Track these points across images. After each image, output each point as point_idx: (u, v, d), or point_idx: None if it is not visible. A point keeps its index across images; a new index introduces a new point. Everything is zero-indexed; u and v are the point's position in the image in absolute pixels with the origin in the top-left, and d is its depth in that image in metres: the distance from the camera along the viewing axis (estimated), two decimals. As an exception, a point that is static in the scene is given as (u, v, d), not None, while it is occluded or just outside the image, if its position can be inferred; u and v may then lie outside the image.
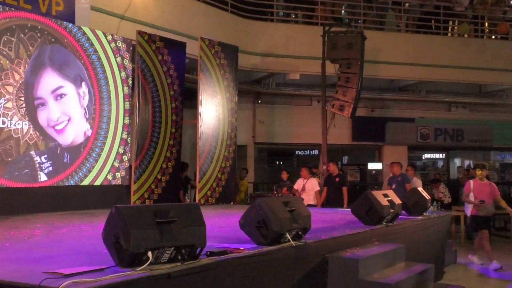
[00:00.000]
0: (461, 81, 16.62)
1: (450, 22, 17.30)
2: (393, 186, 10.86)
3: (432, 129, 17.36)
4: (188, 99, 11.90)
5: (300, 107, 16.42)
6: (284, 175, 12.74)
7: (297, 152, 19.47)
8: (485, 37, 17.54)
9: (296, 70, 14.89)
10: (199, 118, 11.08)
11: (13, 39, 8.70)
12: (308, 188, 10.99)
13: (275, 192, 12.43)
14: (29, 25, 8.97)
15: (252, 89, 15.78)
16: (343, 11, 16.65)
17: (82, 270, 3.49)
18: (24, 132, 8.84)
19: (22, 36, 8.84)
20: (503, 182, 16.68)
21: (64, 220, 7.64)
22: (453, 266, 8.85)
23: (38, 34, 9.10)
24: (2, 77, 8.54)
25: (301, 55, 14.59)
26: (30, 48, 8.97)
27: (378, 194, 6.68)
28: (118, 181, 10.39)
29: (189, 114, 12.23)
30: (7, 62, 8.62)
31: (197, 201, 10.76)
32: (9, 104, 8.63)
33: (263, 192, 13.82)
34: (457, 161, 20.58)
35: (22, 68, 8.83)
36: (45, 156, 9.16)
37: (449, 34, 17.43)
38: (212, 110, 11.41)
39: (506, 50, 16.61)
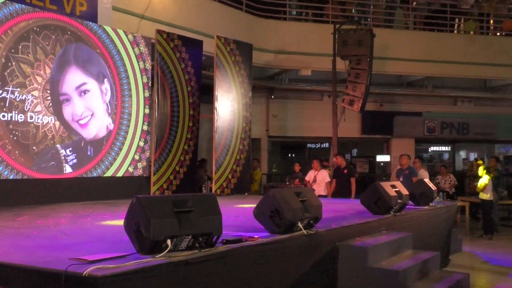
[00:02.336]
0: (467, 76, 16.44)
1: (457, 20, 17.10)
2: (401, 179, 10.80)
3: (438, 123, 17.19)
4: (205, 94, 11.92)
5: (312, 102, 16.36)
6: (297, 167, 12.72)
7: (308, 145, 19.38)
8: (490, 34, 17.33)
9: (308, 66, 14.80)
10: (215, 112, 11.09)
11: (39, 38, 8.77)
12: (319, 179, 11.01)
13: (288, 183, 12.46)
14: (54, 25, 9.02)
15: (265, 84, 15.77)
16: (353, 9, 16.53)
17: (105, 256, 3.51)
18: (50, 127, 8.92)
19: (49, 34, 8.90)
20: (507, 174, 16.50)
21: (88, 210, 7.68)
22: (458, 254, 8.80)
23: (63, 33, 9.16)
24: (31, 73, 8.61)
25: (312, 52, 14.53)
26: (56, 47, 9.03)
27: (386, 185, 6.65)
28: (140, 172, 10.45)
29: (206, 108, 12.26)
30: (34, 60, 8.69)
31: (213, 191, 10.78)
32: (36, 100, 8.70)
33: (276, 183, 13.83)
34: (463, 154, 20.38)
35: (48, 65, 8.90)
36: (70, 149, 9.24)
37: (455, 31, 17.22)
38: (228, 105, 11.42)
39: (511, 46, 16.39)
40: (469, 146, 19.98)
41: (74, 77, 9.35)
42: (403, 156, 10.97)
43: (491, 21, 17.27)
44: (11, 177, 8.29)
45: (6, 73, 8.27)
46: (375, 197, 6.52)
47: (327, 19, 15.21)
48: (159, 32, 10.49)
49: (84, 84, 9.53)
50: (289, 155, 20.05)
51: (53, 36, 8.98)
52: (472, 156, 19.64)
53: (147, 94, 10.69)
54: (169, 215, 3.55)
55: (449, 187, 13.06)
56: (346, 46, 12.89)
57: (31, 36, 8.63)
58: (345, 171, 10.89)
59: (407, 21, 16.76)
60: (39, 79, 8.76)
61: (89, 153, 9.55)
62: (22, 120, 8.49)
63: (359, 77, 12.79)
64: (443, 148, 20.12)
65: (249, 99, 12.01)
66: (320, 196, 9.84)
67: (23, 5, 8.57)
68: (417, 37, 15.93)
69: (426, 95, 17.17)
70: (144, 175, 10.51)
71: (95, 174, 9.60)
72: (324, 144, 18.37)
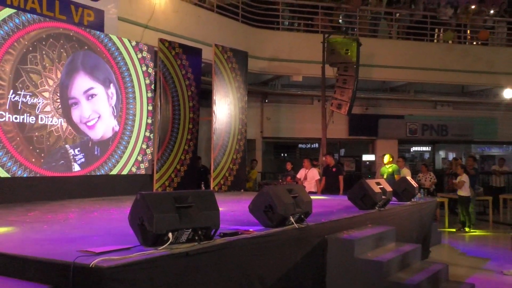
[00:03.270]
0: (445, 82, 16.48)
1: (436, 30, 17.14)
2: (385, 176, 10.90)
3: (419, 125, 17.22)
4: (204, 98, 11.90)
5: (303, 106, 16.39)
6: (289, 166, 12.72)
7: (299, 145, 19.44)
8: (467, 43, 17.38)
9: (299, 73, 14.82)
10: (213, 115, 11.08)
11: (46, 47, 8.73)
12: (310, 177, 11.04)
13: (280, 180, 12.45)
14: (63, 34, 8.99)
15: (260, 89, 15.77)
16: (340, 20, 16.55)
17: (111, 248, 3.50)
18: (59, 128, 8.88)
19: (58, 43, 8.87)
20: (483, 172, 16.58)
21: (95, 205, 7.66)
22: (438, 246, 8.83)
23: (72, 42, 9.12)
24: (42, 78, 8.57)
25: (303, 59, 14.52)
26: (64, 54, 9.00)
27: (371, 182, 6.66)
28: (142, 172, 10.43)
29: (205, 112, 12.25)
30: (44, 67, 8.65)
31: (211, 188, 10.77)
32: (46, 101, 8.67)
33: (270, 180, 13.81)
34: (442, 153, 20.47)
35: (59, 70, 8.86)
36: (78, 149, 9.20)
37: (435, 41, 17.27)
38: (225, 108, 11.41)
39: (486, 54, 16.45)
40: (448, 147, 20.13)
41: (82, 82, 9.31)
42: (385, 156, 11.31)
43: (468, 31, 17.33)
44: (24, 176, 8.25)
45: (18, 82, 8.24)
46: (361, 194, 6.53)
47: (316, 29, 15.22)
48: (161, 40, 10.47)
49: (91, 88, 9.49)
50: (282, 154, 20.07)
51: (62, 45, 8.94)
52: (451, 155, 19.74)
53: (150, 95, 10.64)
54: (170, 210, 3.55)
55: (430, 184, 13.09)
56: (334, 54, 12.89)
57: (42, 44, 8.59)
58: (334, 169, 10.92)
59: (391, 31, 16.79)
60: (50, 82, 8.72)
61: (96, 152, 9.52)
62: (34, 121, 8.45)
63: (346, 82, 12.81)
64: (424, 148, 20.24)
65: (245, 103, 12.00)
66: (310, 192, 9.88)
67: (34, 15, 8.53)
68: (400, 46, 15.97)
69: (408, 100, 17.22)
70: (148, 173, 10.48)
71: (102, 172, 9.56)
72: (314, 145, 18.48)
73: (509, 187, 14.98)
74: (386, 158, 11.34)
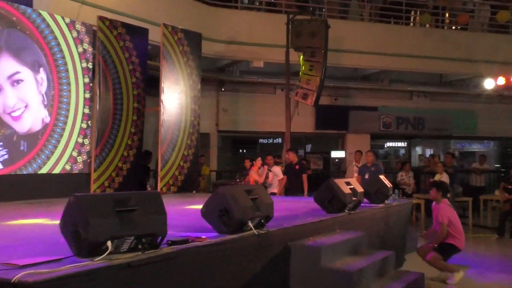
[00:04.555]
0: (423, 70, 16.91)
1: (412, 12, 17.52)
2: (366, 176, 10.96)
3: (394, 118, 17.66)
4: (151, 86, 11.71)
5: (264, 95, 16.47)
6: (247, 164, 12.72)
7: (260, 140, 19.56)
8: (446, 27, 17.83)
9: (260, 58, 14.90)
10: (162, 105, 10.95)
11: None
12: (272, 176, 11.09)
13: (238, 180, 12.45)
14: (-17, 8, 8.68)
15: (215, 77, 15.71)
16: (307, -1, 16.67)
17: (38, 260, 3.39)
18: (-21, 119, 8.58)
19: (-24, 19, 8.56)
20: (462, 170, 17.05)
21: (20, 209, 7.46)
22: (413, 253, 8.98)
23: (-7, 18, 8.82)
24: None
25: (265, 43, 14.58)
26: (-15, 32, 8.69)
27: (340, 182, 6.68)
28: (80, 166, 10.20)
29: (152, 101, 12.06)
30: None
31: (158, 189, 10.65)
32: (-37, 90, 8.35)
33: (226, 180, 13.79)
34: (419, 150, 21.01)
35: (-24, 52, 8.55)
36: (1, 144, 8.91)
37: (411, 24, 17.65)
38: (175, 97, 11.29)
39: (466, 40, 16.92)
40: (425, 142, 20.67)
41: (6, 66, 9.02)
42: (368, 153, 11.61)
43: (447, 15, 17.76)
44: None
45: None
46: (329, 195, 6.54)
47: (280, 8, 15.27)
48: (101, 19, 10.25)
49: (17, 73, 9.20)
50: (240, 150, 20.11)
51: (-18, 20, 8.63)
52: (428, 152, 20.22)
53: (87, 80, 10.40)
54: (109, 215, 3.48)
55: (414, 184, 13.28)
56: (300, 37, 12.99)
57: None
58: (297, 167, 11.00)
59: (363, 13, 17.03)
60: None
61: (22, 148, 9.24)
62: None
63: (313, 69, 12.92)
64: (399, 144, 20.71)
65: (198, 92, 11.92)
66: (272, 193, 9.91)
67: None
68: (372, 29, 16.23)
69: (381, 89, 17.58)
70: (84, 172, 10.26)
71: (30, 170, 9.30)
72: (276, 139, 18.60)
73: (490, 187, 15.38)
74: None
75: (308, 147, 19.05)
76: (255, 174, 10.95)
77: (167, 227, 3.81)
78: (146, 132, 11.71)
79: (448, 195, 10.12)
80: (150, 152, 12.27)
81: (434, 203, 7.73)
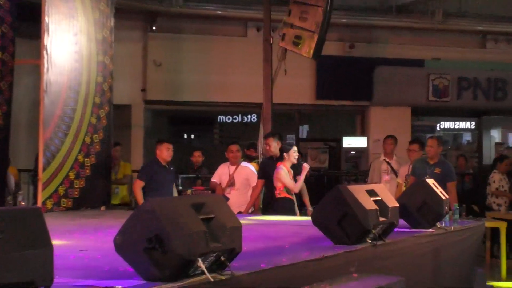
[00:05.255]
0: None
1: None
2: None
3: (453, 80, 12.62)
4: (25, 21, 8.38)
5: (227, 40, 11.90)
6: (197, 157, 9.53)
7: (220, 118, 14.00)
8: None
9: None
10: (45, 56, 7.48)
11: None
12: (240, 180, 7.89)
13: (181, 188, 9.21)
14: None
15: (142, 6, 11.15)
16: None
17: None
18: None
19: None
20: None
21: None
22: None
23: None
24: None
25: None
26: None
27: (359, 191, 4.90)
28: None
29: (27, 48, 8.71)
30: None
31: (39, 204, 7.41)
32: None
33: None
34: (495, 134, 14.95)
35: None
36: None
37: None
38: (69, 42, 7.91)
39: None
40: (506, 121, 14.93)
41: None
42: (431, 141, 7.64)
43: None
44: None
45: None
46: (339, 213, 4.80)
47: None
48: None
49: None
50: (185, 136, 14.73)
51: None
52: None
53: None
54: None
55: None
56: None
57: None
58: (282, 164, 8.36)
59: None
60: None
61: None
62: None
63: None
64: (462, 124, 14.56)
65: (110, 32, 8.62)
66: (239, 213, 7.07)
67: None
68: None
69: (431, 30, 12.33)
70: None
71: None
72: (248, 117, 13.62)
73: None
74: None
75: (304, 130, 13.75)
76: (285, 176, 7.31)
77: (53, 271, 3.00)
78: (17, 103, 8.57)
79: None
80: (118, 143, 9.36)
81: None
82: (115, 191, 9.20)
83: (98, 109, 8.39)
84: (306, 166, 7.40)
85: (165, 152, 7.55)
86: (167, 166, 7.63)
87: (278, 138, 7.88)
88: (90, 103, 8.23)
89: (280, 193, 7.21)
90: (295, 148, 7.42)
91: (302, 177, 7.28)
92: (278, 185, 7.17)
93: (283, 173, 7.20)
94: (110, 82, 8.65)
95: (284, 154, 7.32)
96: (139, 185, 7.55)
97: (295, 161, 7.29)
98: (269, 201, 7.55)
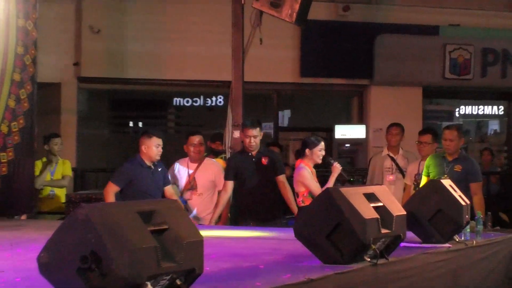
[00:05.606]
0: None
1: None
2: None
3: (476, 52, 10.28)
4: None
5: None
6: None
7: (176, 100, 11.59)
8: None
9: None
10: None
11: None
12: (203, 182, 6.42)
13: None
14: None
15: None
16: None
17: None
18: None
19: None
20: None
21: None
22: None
23: None
24: None
25: None
26: None
27: (355, 195, 4.11)
28: None
29: None
30: None
31: None
32: None
33: (96, 191, 8.91)
34: None
35: None
36: None
37: None
38: None
39: None
40: None
41: None
42: (449, 132, 6.06)
43: None
44: None
45: None
46: (331, 223, 4.12)
47: None
48: None
49: None
50: (130, 123, 12.26)
51: None
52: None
53: None
54: None
55: None
56: None
57: None
58: (263, 161, 7.01)
59: None
60: None
61: None
62: None
63: None
64: (486, 110, 11.81)
65: None
66: (201, 224, 5.98)
67: None
68: None
69: None
70: None
71: None
72: (213, 99, 11.42)
73: None
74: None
75: (285, 117, 11.82)
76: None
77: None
78: None
79: None
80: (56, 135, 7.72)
81: None
82: (49, 194, 7.51)
83: (18, 89, 6.77)
84: (337, 166, 6.10)
85: (153, 150, 5.85)
86: (152, 166, 5.94)
87: (257, 125, 6.36)
88: (7, 80, 6.61)
89: (304, 200, 5.86)
90: (322, 145, 6.02)
91: (332, 180, 6.04)
92: (300, 190, 5.88)
93: (307, 174, 5.86)
94: (34, 54, 6.93)
95: (307, 150, 5.98)
96: (111, 190, 5.90)
97: (319, 161, 6.03)
98: (271, 209, 6.19)
